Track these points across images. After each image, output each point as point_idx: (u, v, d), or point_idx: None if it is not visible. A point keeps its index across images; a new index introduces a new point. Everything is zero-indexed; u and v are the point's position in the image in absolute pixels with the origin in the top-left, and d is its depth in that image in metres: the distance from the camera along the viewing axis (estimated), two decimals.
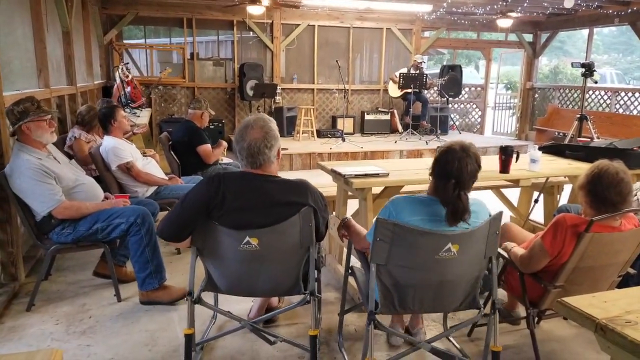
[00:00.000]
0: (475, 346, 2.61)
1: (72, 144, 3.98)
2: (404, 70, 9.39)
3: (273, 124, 2.17)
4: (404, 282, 2.00)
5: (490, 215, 2.02)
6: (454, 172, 1.95)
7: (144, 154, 4.09)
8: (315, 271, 2.30)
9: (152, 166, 3.90)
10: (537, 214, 4.16)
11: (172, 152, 4.35)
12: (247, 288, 2.29)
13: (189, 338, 2.21)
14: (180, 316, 2.86)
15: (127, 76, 7.04)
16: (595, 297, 1.38)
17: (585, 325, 1.29)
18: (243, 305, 2.89)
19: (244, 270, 2.18)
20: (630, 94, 9.35)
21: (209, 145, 4.37)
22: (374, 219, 1.98)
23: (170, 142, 4.40)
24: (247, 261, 2.13)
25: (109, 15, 8.53)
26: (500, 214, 2.03)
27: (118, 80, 6.76)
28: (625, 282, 2.36)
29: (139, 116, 6.17)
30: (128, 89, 6.87)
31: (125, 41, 10.16)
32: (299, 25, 9.42)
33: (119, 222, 2.92)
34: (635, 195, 2.73)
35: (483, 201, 2.07)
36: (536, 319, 2.45)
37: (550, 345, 2.64)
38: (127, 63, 7.89)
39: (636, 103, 9.06)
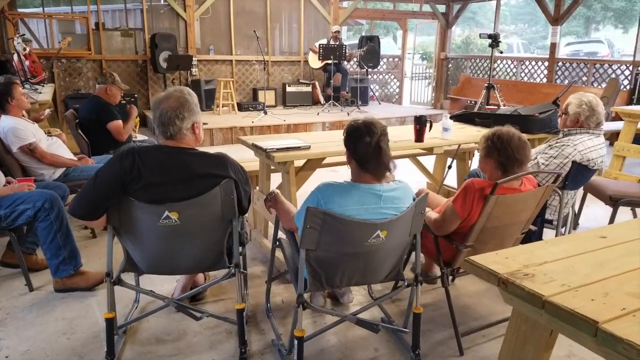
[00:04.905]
0: (395, 307, 2.76)
1: None
2: (324, 41, 9.39)
3: (193, 98, 2.14)
4: (332, 264, 2.03)
5: (414, 198, 2.07)
6: (363, 131, 1.99)
7: (49, 134, 3.81)
8: (240, 247, 2.29)
9: (59, 146, 3.65)
10: (451, 179, 4.40)
11: (79, 131, 4.08)
12: (169, 266, 2.25)
13: (110, 322, 2.14)
14: (100, 301, 2.74)
15: (25, 49, 6.44)
16: (497, 254, 1.49)
17: (490, 280, 1.39)
18: (167, 287, 2.84)
19: (164, 246, 2.13)
20: (534, 63, 9.99)
21: (119, 121, 4.12)
22: (304, 204, 1.96)
23: (78, 120, 4.12)
24: (168, 237, 2.09)
25: None
26: (425, 196, 2.10)
27: (22, 51, 6.18)
28: (528, 238, 2.57)
29: (40, 92, 5.70)
30: (27, 63, 6.31)
31: (20, 10, 9.26)
32: None
33: (25, 207, 2.73)
34: (535, 158, 2.96)
35: (408, 184, 2.10)
36: (450, 277, 2.62)
37: (463, 300, 2.84)
38: (24, 34, 7.21)
39: (539, 71, 9.72)
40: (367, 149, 1.96)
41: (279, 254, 2.63)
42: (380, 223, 1.93)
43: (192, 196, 2.02)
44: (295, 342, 2.03)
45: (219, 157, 2.15)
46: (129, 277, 2.35)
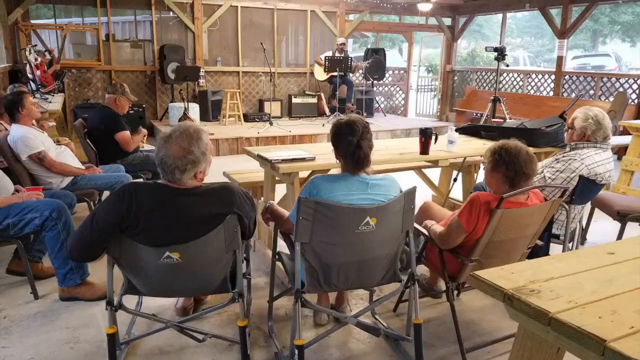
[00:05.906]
0: (400, 321, 2.73)
1: None
2: (329, 53, 9.44)
3: (199, 145, 1.98)
4: (328, 259, 2.07)
5: (401, 191, 2.17)
6: (345, 130, 2.15)
7: (58, 143, 3.85)
8: (244, 262, 2.26)
9: (67, 155, 3.68)
10: (457, 192, 4.38)
11: (88, 140, 4.12)
12: (171, 292, 2.23)
13: (112, 337, 2.12)
14: (103, 311, 2.70)
15: (36, 59, 6.54)
16: (503, 269, 1.47)
17: (495, 295, 1.38)
18: (170, 299, 2.82)
19: (165, 279, 2.09)
20: (540, 76, 9.97)
21: (127, 132, 4.15)
22: (297, 198, 2.02)
23: (86, 130, 4.15)
24: (169, 272, 2.03)
25: None
26: (414, 188, 2.18)
27: (34, 61, 6.26)
28: (534, 253, 2.53)
29: (50, 102, 5.77)
30: (38, 72, 6.39)
31: (32, 21, 9.39)
32: (221, 5, 9.14)
33: (32, 216, 2.75)
34: (542, 172, 2.95)
35: (395, 178, 2.23)
36: (455, 292, 2.60)
37: (468, 315, 2.81)
38: (35, 45, 7.30)
39: (546, 84, 9.70)
40: (349, 147, 2.12)
41: (279, 266, 2.61)
42: (369, 208, 2.03)
43: (194, 238, 1.96)
44: (296, 351, 2.02)
45: (222, 192, 2.05)
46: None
